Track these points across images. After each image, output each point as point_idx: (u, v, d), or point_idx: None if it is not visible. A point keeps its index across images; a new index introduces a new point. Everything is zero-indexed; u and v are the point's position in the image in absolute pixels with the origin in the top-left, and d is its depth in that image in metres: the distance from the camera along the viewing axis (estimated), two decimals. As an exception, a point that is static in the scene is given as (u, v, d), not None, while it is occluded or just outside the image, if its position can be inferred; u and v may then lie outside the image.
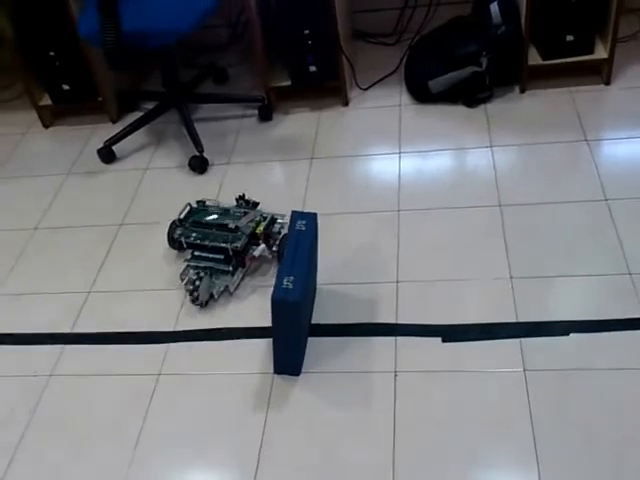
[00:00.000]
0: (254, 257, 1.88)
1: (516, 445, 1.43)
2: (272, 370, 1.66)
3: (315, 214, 1.71)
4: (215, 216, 1.97)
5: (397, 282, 1.82)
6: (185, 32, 2.12)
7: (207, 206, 2.03)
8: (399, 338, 1.69)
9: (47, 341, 1.84)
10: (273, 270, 1.92)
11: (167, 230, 1.98)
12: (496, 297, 1.74)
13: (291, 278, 1.52)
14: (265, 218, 1.94)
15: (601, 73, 2.37)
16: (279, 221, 1.97)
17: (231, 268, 1.85)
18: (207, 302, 1.86)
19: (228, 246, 1.85)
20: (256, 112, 2.53)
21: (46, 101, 2.64)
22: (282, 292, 1.50)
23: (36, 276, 2.05)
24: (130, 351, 1.78)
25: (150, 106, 2.56)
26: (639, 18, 2.57)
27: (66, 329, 1.87)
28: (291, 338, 1.62)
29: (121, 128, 2.48)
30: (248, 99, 2.58)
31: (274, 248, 1.91)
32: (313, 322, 1.76)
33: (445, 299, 1.76)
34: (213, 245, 1.87)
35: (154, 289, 1.94)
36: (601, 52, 2.33)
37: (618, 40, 2.27)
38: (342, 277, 1.87)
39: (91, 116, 2.65)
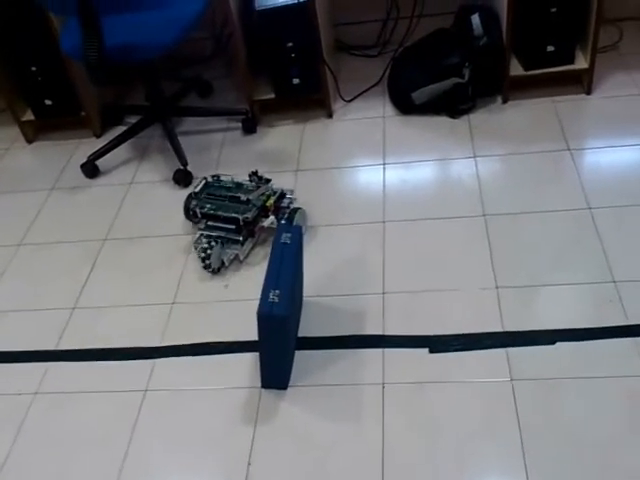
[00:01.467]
0: (263, 227, 1.99)
1: (504, 454, 1.43)
2: (259, 384, 1.65)
3: (300, 227, 1.71)
4: (228, 189, 2.07)
5: (383, 293, 1.82)
6: (169, 46, 2.12)
7: (221, 180, 2.12)
8: (386, 350, 1.68)
9: (31, 359, 1.83)
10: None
11: (184, 202, 2.08)
12: (482, 307, 1.74)
13: (277, 292, 1.51)
14: (275, 193, 2.05)
15: (582, 83, 2.40)
16: (288, 196, 2.08)
17: (241, 238, 1.96)
18: (219, 269, 1.96)
19: (239, 217, 1.95)
20: (240, 125, 2.53)
21: (29, 116, 2.62)
22: (268, 306, 1.50)
23: (20, 293, 2.03)
24: (116, 367, 1.77)
25: (134, 120, 2.55)
26: (618, 28, 2.60)
27: (51, 346, 1.85)
28: (278, 352, 1.61)
29: (105, 143, 2.47)
30: (232, 112, 2.57)
31: (282, 221, 1.99)
32: (300, 335, 1.76)
33: (431, 310, 1.76)
34: (225, 215, 1.98)
35: (139, 304, 1.92)
36: (582, 62, 2.35)
37: (598, 50, 2.29)
38: (328, 289, 1.86)
39: (74, 131, 2.64)
